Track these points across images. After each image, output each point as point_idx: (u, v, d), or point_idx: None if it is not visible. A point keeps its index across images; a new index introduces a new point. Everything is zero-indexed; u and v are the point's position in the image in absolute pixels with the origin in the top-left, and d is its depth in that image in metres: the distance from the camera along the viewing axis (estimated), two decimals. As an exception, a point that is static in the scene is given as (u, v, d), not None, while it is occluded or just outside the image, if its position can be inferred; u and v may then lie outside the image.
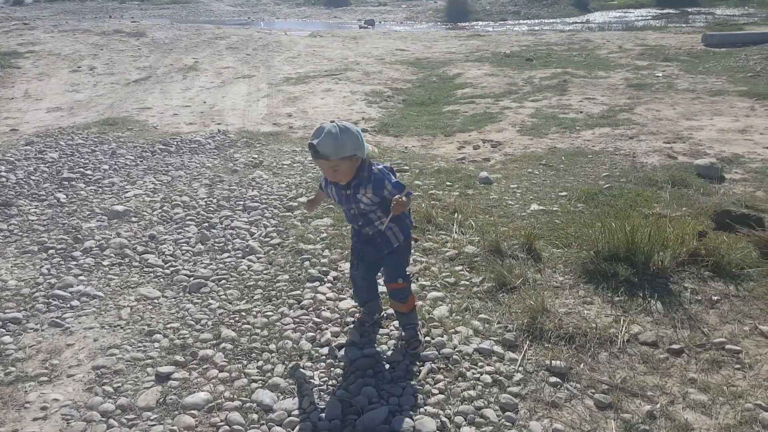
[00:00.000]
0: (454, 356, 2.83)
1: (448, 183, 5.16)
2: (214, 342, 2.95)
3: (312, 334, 3.02)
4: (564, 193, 4.86)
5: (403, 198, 2.58)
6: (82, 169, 5.50)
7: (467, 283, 3.51)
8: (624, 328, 3.01)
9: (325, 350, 2.89)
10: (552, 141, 6.55)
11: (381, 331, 3.04)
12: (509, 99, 8.60)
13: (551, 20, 18.34)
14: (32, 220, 4.41)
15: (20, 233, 4.21)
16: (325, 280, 3.54)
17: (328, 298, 3.34)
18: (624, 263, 3.54)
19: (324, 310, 3.22)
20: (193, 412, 2.48)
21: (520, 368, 2.77)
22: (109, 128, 7.11)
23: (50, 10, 22.15)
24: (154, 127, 7.30)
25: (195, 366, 2.77)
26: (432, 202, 4.62)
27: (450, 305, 3.27)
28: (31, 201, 4.79)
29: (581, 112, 7.66)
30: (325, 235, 4.11)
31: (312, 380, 2.69)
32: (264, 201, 4.72)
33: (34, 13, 21.07)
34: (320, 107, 8.39)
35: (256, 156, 5.93)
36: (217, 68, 11.56)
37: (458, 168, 5.63)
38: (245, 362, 2.81)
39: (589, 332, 2.96)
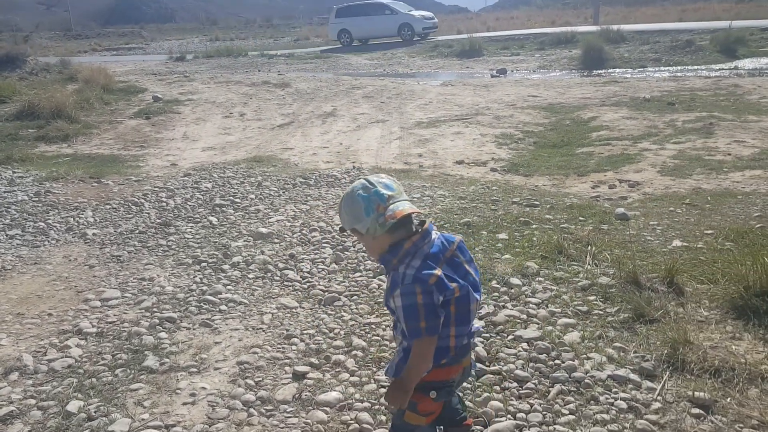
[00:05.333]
0: (586, 380, 2.74)
1: (581, 218, 5.04)
2: (346, 349, 3.08)
3: (439, 349, 3.05)
4: (710, 231, 4.57)
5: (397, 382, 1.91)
6: (231, 198, 6.01)
7: (601, 312, 3.39)
8: (779, 366, 2.76)
9: (452, 365, 2.90)
10: (696, 182, 6.19)
11: (507, 350, 3.01)
12: (649, 141, 8.26)
13: (695, 67, 17.45)
14: (188, 238, 4.87)
15: (177, 248, 4.66)
16: (454, 301, 3.57)
17: (456, 318, 3.37)
18: (779, 300, 3.26)
19: (452, 328, 3.25)
20: (325, 408, 2.60)
21: (659, 397, 2.62)
22: (255, 164, 7.71)
23: (207, 65, 24.56)
24: (296, 164, 7.81)
25: (328, 369, 2.91)
26: (564, 234, 4.54)
27: (582, 332, 3.18)
28: (188, 222, 5.30)
29: (729, 155, 7.19)
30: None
31: (439, 391, 2.71)
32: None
33: (194, 68, 23.46)
34: (450, 148, 8.56)
35: (389, 189, 6.15)
36: (353, 114, 12.17)
37: (592, 205, 5.49)
38: (375, 369, 2.90)
39: (737, 367, 2.75)
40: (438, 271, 1.82)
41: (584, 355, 2.95)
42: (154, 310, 3.57)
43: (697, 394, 2.59)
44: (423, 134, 9.69)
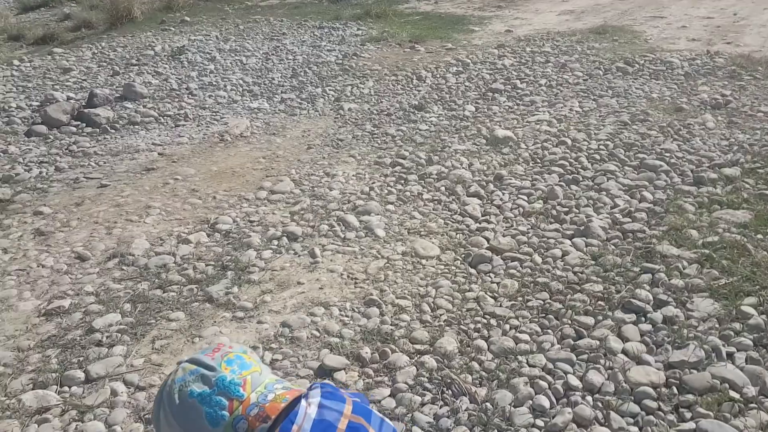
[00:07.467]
0: None
1: None
2: (422, 348, 2.08)
3: None
4: None
5: None
6: (516, 82, 4.90)
7: None
8: None
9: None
10: None
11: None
12: None
13: None
14: (420, 130, 4.13)
15: (399, 142, 3.99)
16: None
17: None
18: None
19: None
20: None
21: None
22: (593, 36, 6.18)
23: None
24: (646, 40, 5.99)
25: (371, 373, 2.01)
26: None
27: None
28: (442, 109, 4.51)
29: None
30: (728, 236, 2.47)
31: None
32: (673, 163, 3.20)
33: None
34: None
35: (729, 93, 4.13)
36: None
37: None
38: (438, 397, 1.88)
39: None
40: None
41: None
42: (296, 217, 3.08)
43: None
44: None
